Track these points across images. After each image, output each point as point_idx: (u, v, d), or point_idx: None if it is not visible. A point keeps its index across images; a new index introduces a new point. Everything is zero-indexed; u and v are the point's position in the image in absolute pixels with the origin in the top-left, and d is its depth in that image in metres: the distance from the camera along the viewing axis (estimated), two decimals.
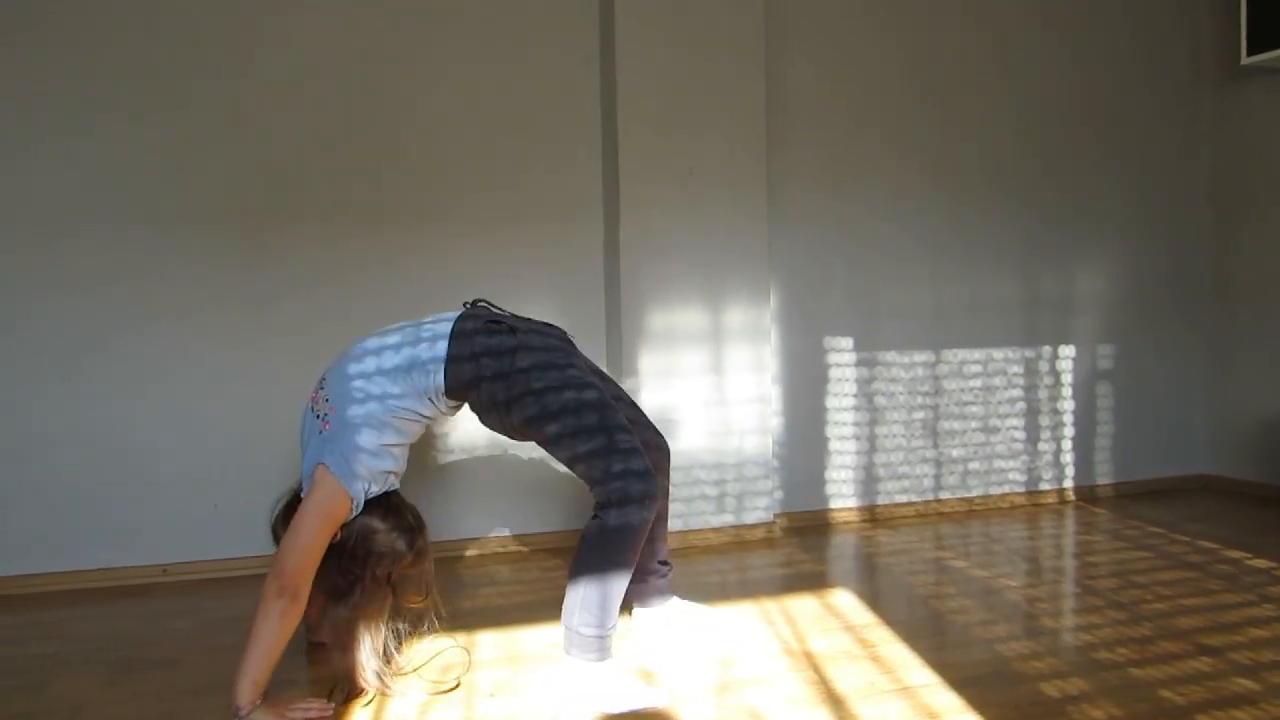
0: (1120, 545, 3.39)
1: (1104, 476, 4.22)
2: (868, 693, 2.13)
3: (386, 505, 2.18)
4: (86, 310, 3.07)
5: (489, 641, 2.49)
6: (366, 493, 2.12)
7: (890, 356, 3.86)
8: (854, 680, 2.20)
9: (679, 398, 3.41)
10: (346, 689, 2.10)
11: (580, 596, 2.12)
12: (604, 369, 3.48)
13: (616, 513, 2.11)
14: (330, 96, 3.25)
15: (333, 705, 2.04)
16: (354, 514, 2.11)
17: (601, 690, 2.09)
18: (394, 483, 2.22)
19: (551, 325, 2.40)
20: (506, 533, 3.45)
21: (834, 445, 3.81)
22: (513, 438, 2.32)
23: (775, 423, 3.69)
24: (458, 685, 2.19)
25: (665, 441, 2.54)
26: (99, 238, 3.07)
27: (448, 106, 3.36)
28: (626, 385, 3.34)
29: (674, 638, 2.49)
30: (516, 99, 3.42)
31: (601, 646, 2.12)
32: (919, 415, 3.91)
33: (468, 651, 2.38)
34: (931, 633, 2.52)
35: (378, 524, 2.13)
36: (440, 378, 2.18)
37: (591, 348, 3.50)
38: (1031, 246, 4.05)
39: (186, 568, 3.16)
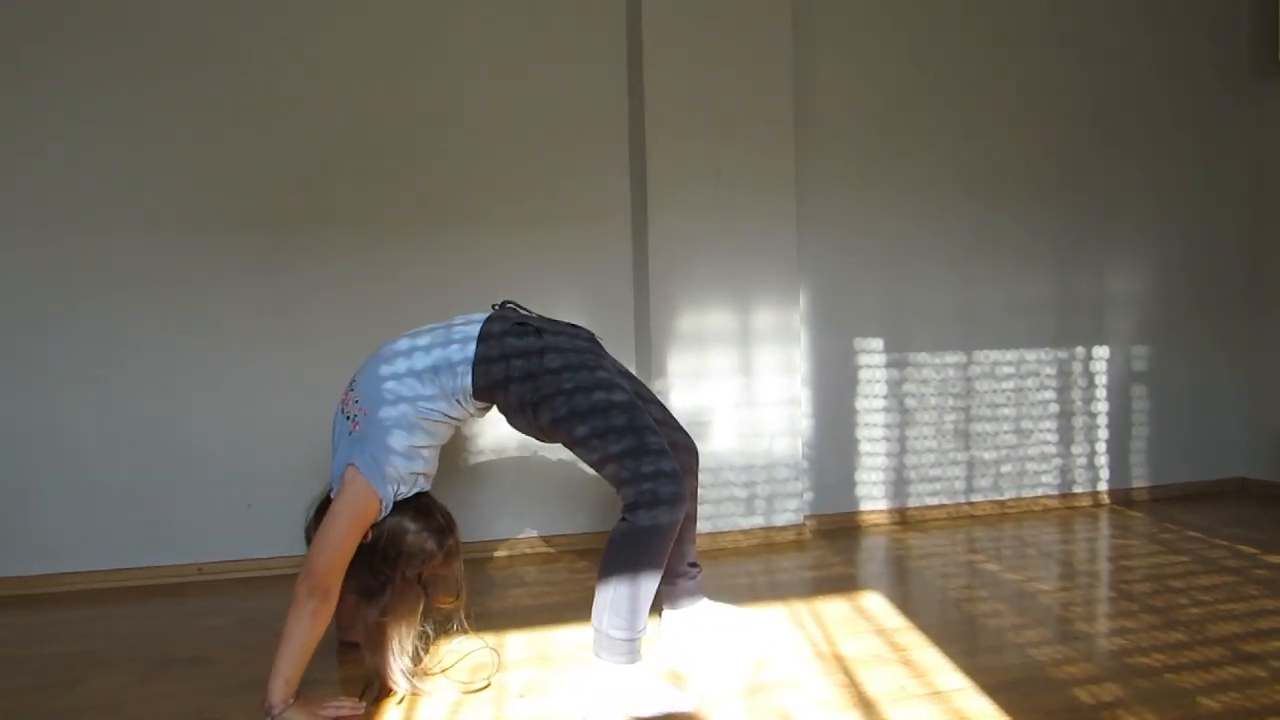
0: (1156, 549, 3.35)
1: (1139, 479, 4.17)
2: (899, 697, 2.11)
3: (417, 506, 2.19)
4: (122, 312, 3.11)
5: (518, 642, 2.50)
6: (396, 494, 2.14)
7: (921, 358, 3.83)
8: (885, 684, 2.18)
9: (709, 400, 3.41)
10: (377, 688, 2.11)
11: (610, 599, 2.11)
12: (633, 371, 3.49)
13: (646, 514, 2.10)
14: (359, 100, 3.28)
15: (364, 704, 2.06)
16: (383, 515, 2.13)
17: (631, 693, 2.08)
18: (424, 484, 2.23)
19: (579, 326, 2.40)
20: (535, 534, 3.46)
21: (864, 447, 3.78)
22: (541, 439, 2.33)
23: (805, 425, 3.68)
24: (488, 685, 2.20)
25: (694, 443, 2.53)
26: (134, 241, 3.11)
27: (476, 110, 3.38)
28: (656, 387, 3.33)
29: (704, 639, 2.48)
30: (545, 102, 3.43)
31: (631, 649, 2.12)
32: (950, 417, 3.88)
33: (497, 652, 2.39)
34: (963, 637, 2.50)
35: (408, 524, 2.15)
36: (469, 380, 2.19)
37: (621, 350, 3.51)
38: (1064, 247, 4.01)
39: (220, 567, 3.20)
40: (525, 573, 3.20)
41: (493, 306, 2.38)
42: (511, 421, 2.30)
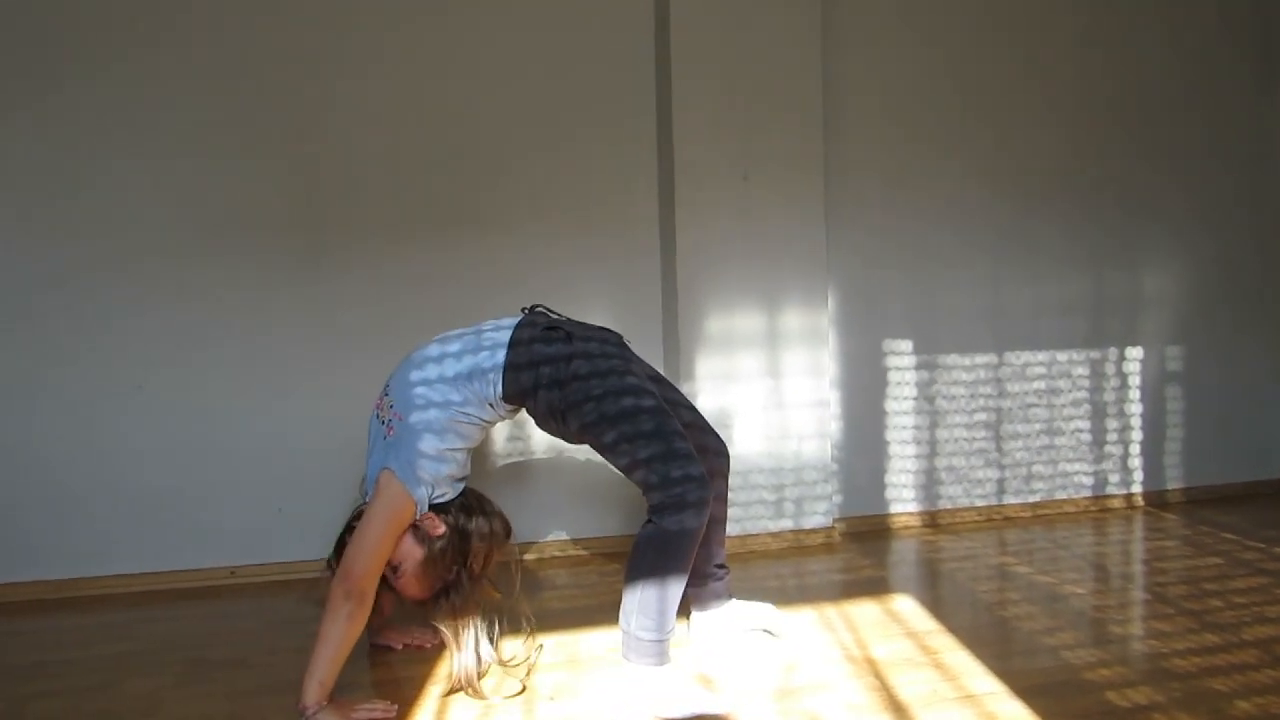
0: (1191, 551, 3.31)
1: (1174, 481, 4.12)
2: (930, 700, 2.10)
3: (463, 503, 2.24)
4: (156, 319, 3.15)
5: (549, 645, 2.50)
6: (431, 497, 2.16)
7: (951, 359, 3.81)
8: (916, 688, 2.17)
9: (737, 402, 3.40)
10: (465, 685, 2.16)
11: (638, 601, 2.12)
12: (662, 373, 3.49)
13: (673, 518, 2.11)
14: (388, 106, 3.30)
15: (395, 707, 2.07)
16: (417, 517, 2.15)
17: (661, 695, 2.09)
18: (458, 486, 2.25)
19: (609, 330, 2.41)
20: (565, 536, 3.47)
21: (894, 449, 3.77)
22: (570, 442, 2.34)
23: (834, 426, 3.66)
24: (523, 690, 2.21)
25: (724, 445, 2.54)
26: (170, 249, 3.15)
27: (504, 115, 3.39)
28: (684, 390, 3.33)
29: (733, 642, 2.48)
30: (574, 107, 3.44)
31: (660, 651, 2.13)
32: (980, 418, 3.85)
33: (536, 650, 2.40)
34: (996, 640, 2.48)
35: (465, 520, 2.20)
36: (499, 386, 2.21)
37: (649, 353, 3.50)
38: (1096, 247, 3.97)
39: (252, 570, 3.23)
40: (555, 576, 3.20)
41: (522, 311, 2.40)
42: (541, 425, 2.33)
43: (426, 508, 2.16)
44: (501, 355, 2.22)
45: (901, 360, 3.76)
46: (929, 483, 3.81)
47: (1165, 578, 3.02)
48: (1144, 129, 4.02)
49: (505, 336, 2.25)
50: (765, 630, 2.54)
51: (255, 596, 3.07)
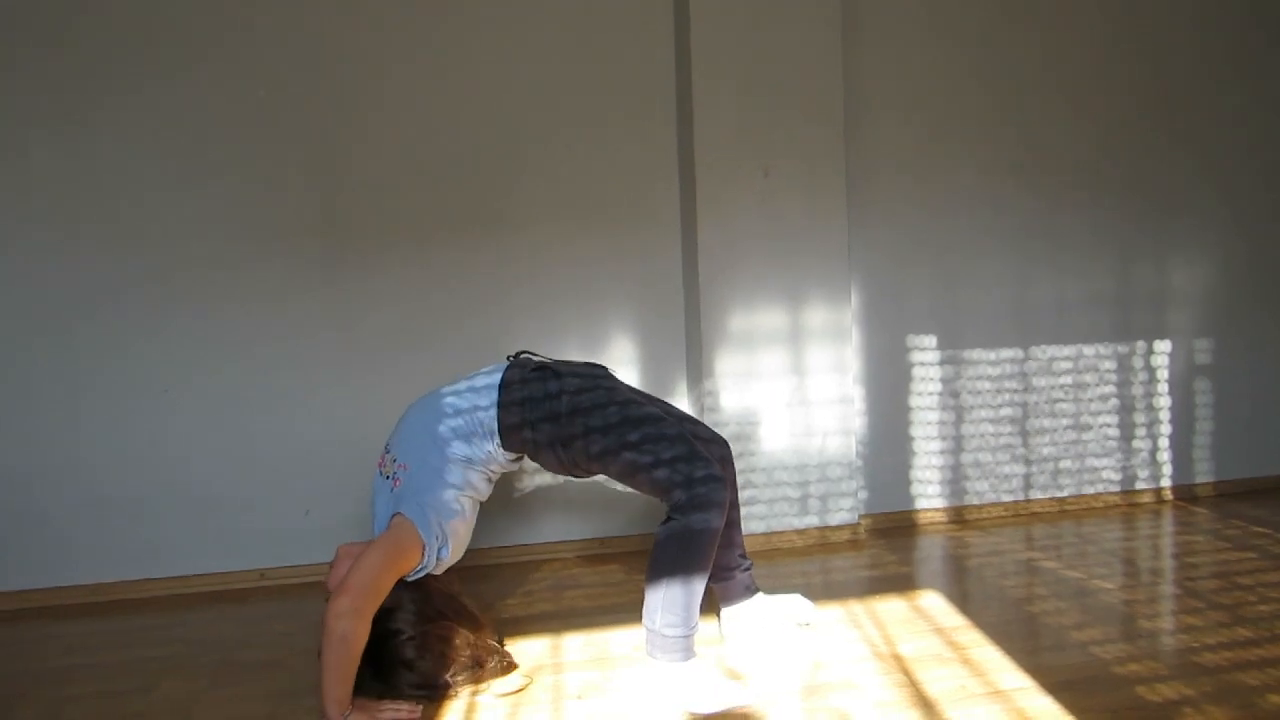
0: (1222, 546, 3.28)
1: (1203, 475, 4.08)
2: (959, 696, 2.10)
3: (417, 607, 2.19)
4: (184, 326, 3.18)
5: (575, 643, 2.52)
6: (437, 550, 2.18)
7: (976, 354, 3.79)
8: (944, 684, 2.17)
9: (760, 399, 3.40)
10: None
11: (662, 598, 2.14)
12: (684, 372, 3.51)
13: (699, 515, 2.14)
14: (409, 110, 3.32)
15: (420, 708, 2.09)
16: (423, 565, 2.17)
17: (691, 690, 2.10)
18: (459, 553, 2.28)
19: (595, 364, 2.47)
20: (590, 535, 3.48)
21: (919, 445, 3.75)
22: (574, 475, 2.39)
23: (859, 423, 3.66)
24: (529, 684, 2.24)
25: (726, 446, 2.57)
26: (199, 257, 3.18)
27: (523, 114, 3.40)
28: (707, 388, 3.34)
29: (761, 637, 2.49)
30: (594, 107, 3.45)
31: (686, 646, 2.15)
32: (1006, 413, 3.83)
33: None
34: (1024, 635, 2.47)
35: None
36: (495, 431, 2.28)
37: (671, 351, 3.52)
38: (1123, 240, 3.94)
39: (281, 573, 3.26)
40: (580, 574, 3.22)
41: (507, 358, 2.46)
42: (544, 463, 2.37)
43: (434, 559, 2.18)
44: (494, 397, 2.30)
45: (926, 355, 3.74)
46: (955, 478, 3.79)
47: (1195, 572, 3.00)
48: (1172, 122, 3.98)
49: (496, 379, 2.33)
50: (799, 623, 2.55)
51: (285, 599, 3.10)
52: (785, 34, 3.38)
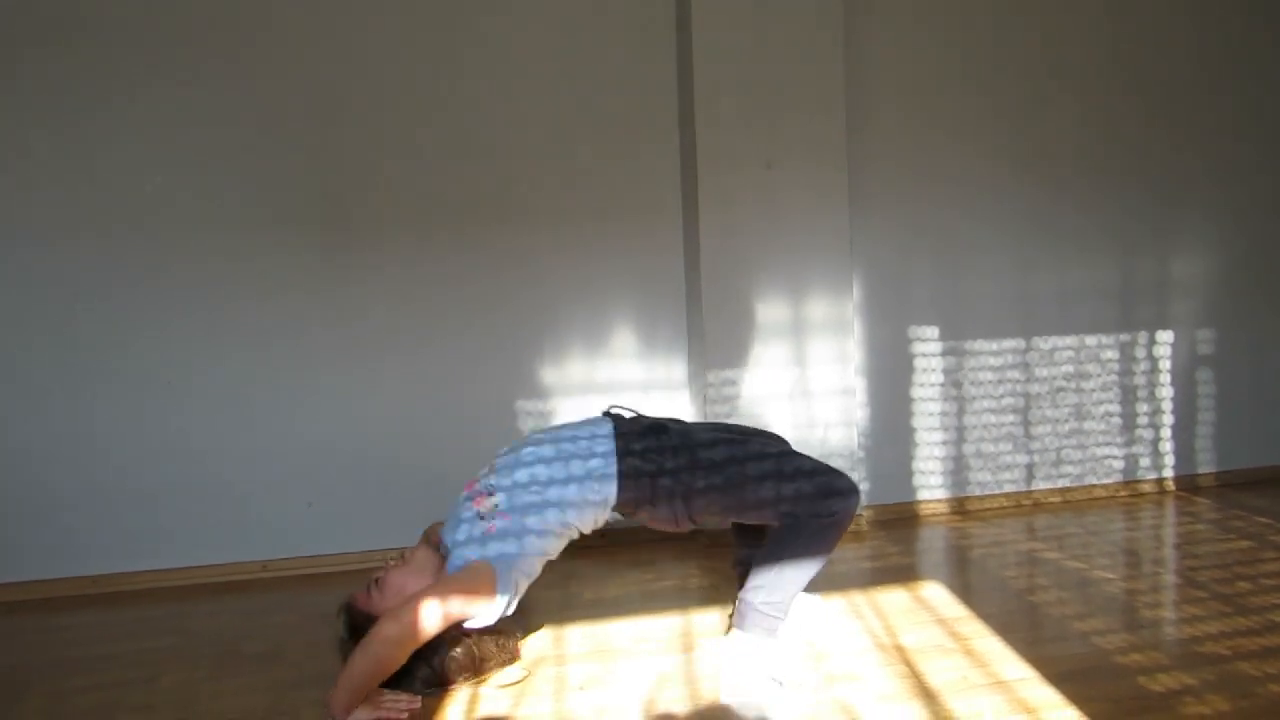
0: (1223, 535, 3.28)
1: (1205, 465, 4.08)
2: (961, 687, 2.10)
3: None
4: (186, 318, 3.18)
5: (577, 635, 2.52)
6: (504, 607, 2.17)
7: (978, 345, 3.79)
8: (947, 675, 2.17)
9: (762, 390, 3.40)
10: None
11: (773, 578, 2.23)
12: (685, 363, 3.50)
13: (840, 512, 2.24)
14: (408, 103, 3.31)
15: (420, 699, 2.09)
16: (481, 618, 2.15)
17: (773, 662, 2.19)
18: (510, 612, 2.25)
19: (677, 420, 2.51)
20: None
21: (921, 436, 3.75)
22: (678, 527, 2.36)
23: (860, 414, 3.65)
24: (528, 675, 2.24)
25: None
26: (199, 249, 3.18)
27: (525, 106, 3.39)
28: (709, 379, 3.34)
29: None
30: (594, 96, 3.44)
31: (778, 626, 2.25)
32: (1009, 403, 3.83)
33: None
34: (1026, 626, 2.47)
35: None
36: (613, 489, 2.27)
37: (674, 343, 3.52)
38: (1125, 230, 3.93)
39: (283, 564, 3.26)
40: (581, 566, 3.21)
41: (604, 414, 2.47)
42: (657, 515, 2.34)
43: (496, 616, 2.17)
44: (611, 446, 2.30)
45: (928, 346, 3.74)
46: (957, 469, 3.79)
47: (1197, 562, 3.00)
48: (1173, 114, 3.96)
49: (608, 445, 2.31)
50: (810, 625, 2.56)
51: (287, 590, 3.10)
52: (787, 26, 3.36)
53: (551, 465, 2.28)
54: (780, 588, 2.23)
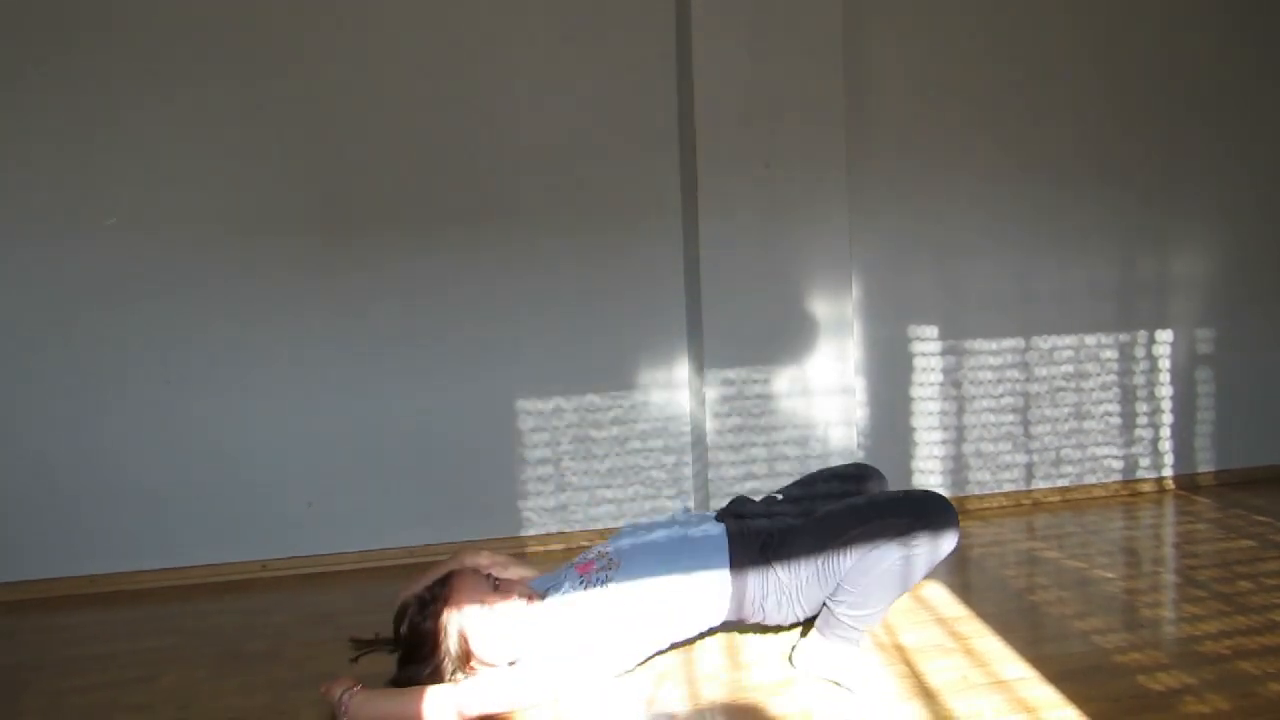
0: (1222, 534, 3.28)
1: (1205, 464, 4.08)
2: (961, 687, 2.10)
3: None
4: (184, 316, 3.18)
5: None
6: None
7: (977, 344, 3.79)
8: (947, 674, 2.17)
9: (761, 390, 3.40)
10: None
11: (860, 594, 2.14)
12: (686, 362, 3.50)
13: (938, 539, 2.14)
14: (408, 104, 3.30)
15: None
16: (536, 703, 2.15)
17: (844, 671, 2.15)
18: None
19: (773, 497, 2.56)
20: (591, 526, 3.49)
21: (920, 435, 3.75)
22: (797, 612, 2.30)
23: (860, 414, 3.65)
24: None
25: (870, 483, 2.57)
26: (197, 246, 3.18)
27: (524, 106, 3.39)
28: (707, 379, 3.33)
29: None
30: (594, 96, 3.44)
31: (860, 639, 2.19)
32: (1008, 402, 3.83)
33: None
34: (1026, 625, 2.47)
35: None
36: (727, 590, 2.23)
37: (673, 342, 3.51)
38: (1124, 231, 3.92)
39: (283, 564, 3.26)
40: None
41: (719, 513, 2.44)
42: (769, 616, 2.29)
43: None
44: (724, 550, 2.25)
45: (927, 346, 3.74)
46: (956, 468, 3.79)
47: (1196, 561, 3.00)
48: (1172, 113, 3.96)
49: (719, 531, 2.30)
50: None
51: (287, 590, 3.10)
52: (787, 26, 3.36)
53: (673, 580, 2.22)
54: (867, 604, 2.14)
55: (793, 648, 2.27)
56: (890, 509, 2.17)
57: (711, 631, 2.35)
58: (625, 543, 2.31)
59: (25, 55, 3.05)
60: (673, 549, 2.26)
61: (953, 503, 2.21)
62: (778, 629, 2.41)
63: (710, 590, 2.21)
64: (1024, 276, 3.82)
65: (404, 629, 2.14)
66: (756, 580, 2.22)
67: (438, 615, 2.10)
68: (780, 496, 2.58)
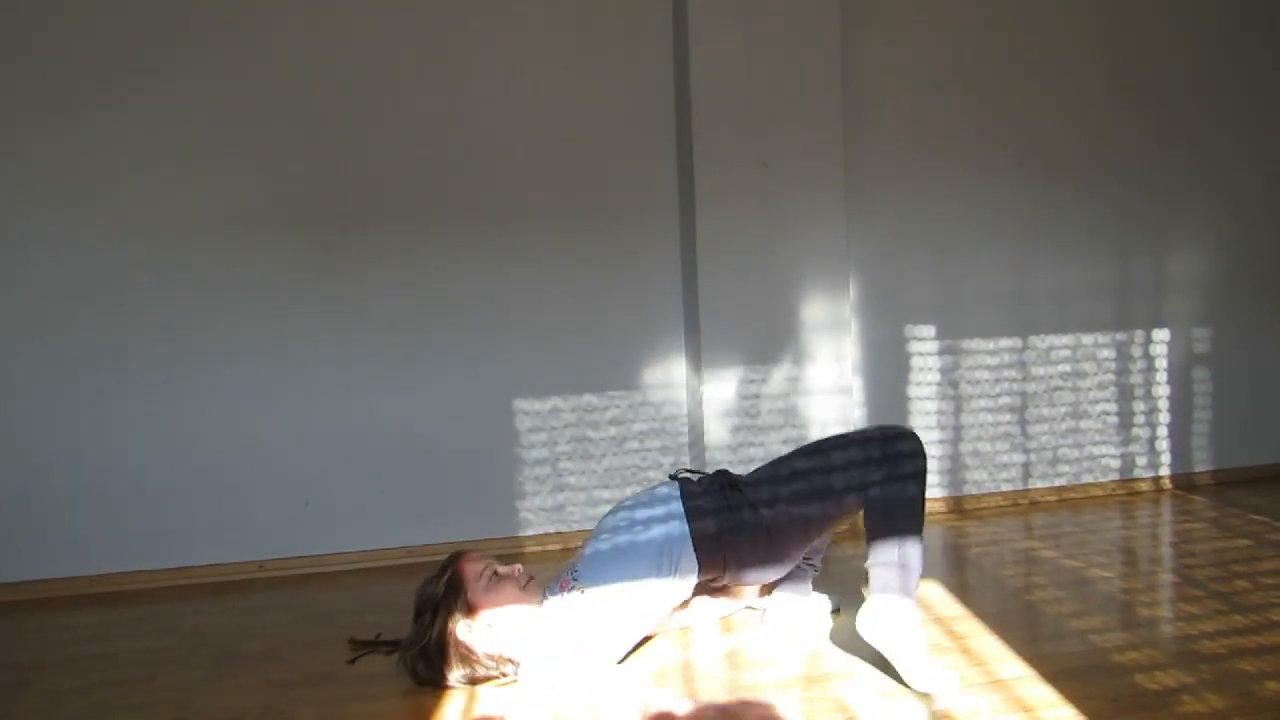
0: (1220, 533, 3.29)
1: (1202, 463, 4.09)
2: (959, 686, 2.10)
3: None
4: (179, 315, 3.17)
5: None
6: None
7: (974, 344, 3.79)
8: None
9: (759, 390, 3.40)
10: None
11: (886, 546, 2.20)
12: (684, 363, 3.50)
13: (894, 486, 2.28)
14: (404, 96, 3.30)
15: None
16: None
17: (900, 624, 2.11)
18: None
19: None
20: (588, 525, 3.48)
21: (918, 435, 3.74)
22: (778, 566, 2.35)
23: (857, 413, 3.65)
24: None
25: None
26: (191, 245, 3.17)
27: (521, 104, 3.39)
28: (704, 377, 3.34)
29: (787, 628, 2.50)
30: (592, 95, 3.44)
31: (910, 584, 2.18)
32: (1005, 402, 3.83)
33: None
34: (1023, 625, 2.48)
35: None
36: (690, 551, 2.26)
37: (670, 342, 3.52)
38: (1121, 230, 3.93)
39: (280, 564, 3.26)
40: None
41: (670, 478, 2.48)
42: (745, 577, 2.34)
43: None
44: (680, 508, 2.30)
45: (925, 345, 3.74)
46: (954, 468, 3.79)
47: (1193, 560, 3.00)
48: (1170, 112, 3.96)
49: (674, 491, 2.36)
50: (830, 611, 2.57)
51: (284, 589, 3.10)
52: (785, 25, 3.36)
53: (634, 555, 2.25)
54: (891, 550, 2.18)
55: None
56: (859, 443, 2.33)
57: (697, 594, 2.37)
58: (587, 549, 2.32)
59: (20, 54, 3.05)
60: (624, 528, 2.30)
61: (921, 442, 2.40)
62: (777, 629, 2.42)
63: (672, 550, 2.24)
64: (1022, 276, 3.83)
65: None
66: (723, 519, 2.27)
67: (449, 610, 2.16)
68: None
